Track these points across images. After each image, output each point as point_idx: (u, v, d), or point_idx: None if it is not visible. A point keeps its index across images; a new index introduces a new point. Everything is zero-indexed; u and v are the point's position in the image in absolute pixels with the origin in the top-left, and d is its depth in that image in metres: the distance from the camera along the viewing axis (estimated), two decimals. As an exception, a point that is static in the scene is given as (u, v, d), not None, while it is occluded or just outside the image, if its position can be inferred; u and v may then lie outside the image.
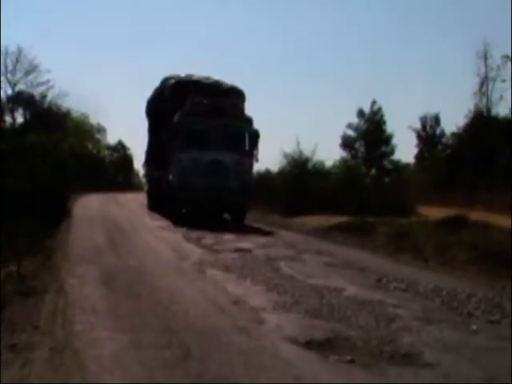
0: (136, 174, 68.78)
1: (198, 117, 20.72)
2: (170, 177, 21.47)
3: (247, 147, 21.65)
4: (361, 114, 62.50)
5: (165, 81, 24.51)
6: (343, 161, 50.34)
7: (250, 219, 23.15)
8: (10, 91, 47.82)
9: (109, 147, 67.59)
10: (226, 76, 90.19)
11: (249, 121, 21.76)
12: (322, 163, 31.99)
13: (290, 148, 30.67)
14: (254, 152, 21.87)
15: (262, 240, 16.53)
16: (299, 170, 30.04)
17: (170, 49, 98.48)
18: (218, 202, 21.03)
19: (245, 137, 21.60)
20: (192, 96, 21.01)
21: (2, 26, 50.08)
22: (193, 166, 20.36)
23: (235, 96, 22.77)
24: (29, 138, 25.13)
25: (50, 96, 49.62)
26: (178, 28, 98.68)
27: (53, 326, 7.40)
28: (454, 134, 50.84)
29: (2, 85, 46.59)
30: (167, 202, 22.05)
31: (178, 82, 23.13)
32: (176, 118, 21.09)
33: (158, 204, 24.76)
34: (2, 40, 49.17)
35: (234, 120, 21.17)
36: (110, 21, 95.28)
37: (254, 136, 21.67)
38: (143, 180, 28.82)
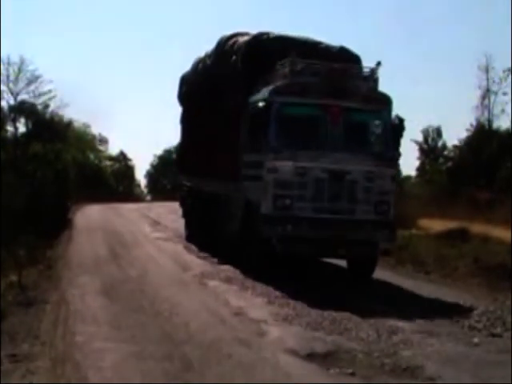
0: (137, 185, 68.91)
1: (301, 96, 11.96)
2: (249, 197, 12.55)
3: (386, 147, 12.50)
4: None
5: (227, 40, 15.01)
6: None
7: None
8: (12, 101, 47.88)
9: (110, 158, 67.70)
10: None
11: (386, 103, 12.66)
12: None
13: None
14: (396, 155, 13.12)
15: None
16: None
17: (174, 60, 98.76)
18: (337, 245, 11.89)
19: (381, 130, 12.78)
20: (289, 62, 12.06)
21: (4, 35, 50.12)
22: (296, 182, 11.60)
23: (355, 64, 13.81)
24: (32, 148, 25.19)
25: (52, 106, 49.70)
26: (183, 38, 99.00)
27: (53, 336, 7.41)
28: (455, 147, 50.89)
29: (5, 95, 46.68)
30: (240, 238, 13.06)
31: (257, 40, 14.04)
32: (259, 98, 12.25)
33: (206, 236, 16.09)
34: (1, 49, 49.30)
35: (362, 102, 12.26)
36: (113, 30, 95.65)
37: (397, 128, 12.74)
38: (180, 195, 20.45)
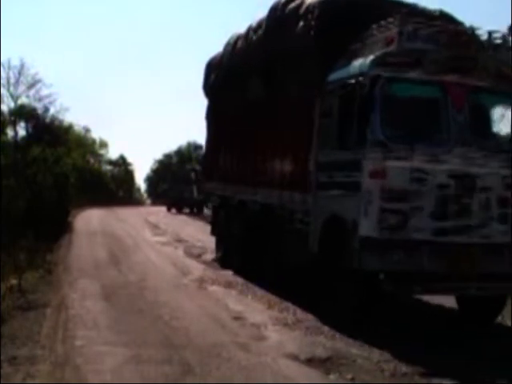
0: (137, 189, 68.96)
1: (415, 70, 8.59)
2: (335, 211, 9.02)
3: None
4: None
5: (286, 4, 11.44)
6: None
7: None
8: (12, 105, 47.93)
9: (110, 162, 67.76)
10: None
11: None
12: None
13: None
14: None
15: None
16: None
17: (175, 65, 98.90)
18: (467, 279, 8.48)
19: None
20: (398, 20, 8.65)
21: (5, 39, 50.18)
22: (413, 191, 8.33)
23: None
24: (32, 151, 25.18)
25: (52, 110, 49.76)
26: (185, 42, 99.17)
27: (54, 340, 7.40)
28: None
29: (5, 98, 46.72)
30: (317, 270, 9.63)
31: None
32: (350, 73, 8.95)
33: (253, 261, 12.36)
34: (2, 53, 49.36)
35: (493, 80, 8.94)
36: (114, 35, 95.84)
37: None
38: (209, 207, 18.64)
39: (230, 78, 14.04)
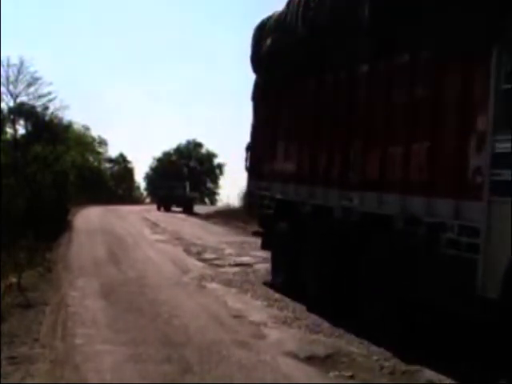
0: (137, 187, 68.95)
1: None
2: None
3: None
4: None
5: None
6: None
7: (249, 233, 23.12)
8: (11, 103, 47.93)
9: (110, 160, 67.71)
10: (229, 91, 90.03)
11: None
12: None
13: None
14: None
15: (263, 254, 16.49)
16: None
17: (175, 62, 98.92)
18: None
19: None
20: None
21: (4, 37, 50.16)
22: None
23: None
24: (33, 150, 25.16)
25: (51, 108, 49.75)
26: (184, 41, 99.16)
27: (53, 338, 7.40)
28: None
29: (4, 96, 46.72)
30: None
31: None
32: None
33: (338, 292, 8.94)
34: (1, 51, 49.35)
35: None
36: (113, 32, 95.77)
37: None
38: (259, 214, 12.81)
39: (307, 41, 9.89)
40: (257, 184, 12.45)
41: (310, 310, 9.15)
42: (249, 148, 12.87)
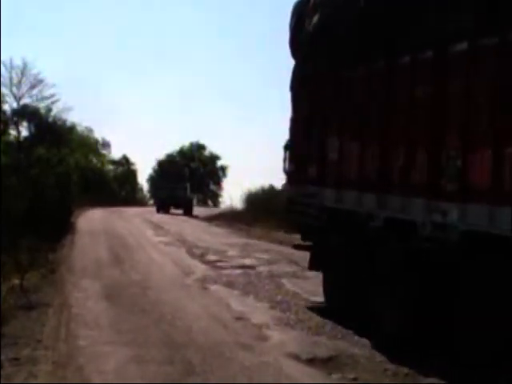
0: (140, 189, 68.96)
1: None
2: None
3: None
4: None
5: None
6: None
7: (253, 234, 23.12)
8: (15, 105, 48.00)
9: (113, 162, 67.72)
10: (232, 92, 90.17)
11: None
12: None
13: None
14: None
15: (265, 256, 16.50)
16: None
17: (178, 64, 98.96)
18: None
19: None
20: None
21: (7, 38, 50.17)
22: None
23: None
24: (37, 151, 25.19)
25: (54, 110, 49.78)
26: (186, 42, 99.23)
27: (56, 340, 7.41)
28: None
29: (7, 98, 46.80)
30: None
31: None
32: None
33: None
34: (4, 53, 49.44)
35: None
36: (116, 34, 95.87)
37: None
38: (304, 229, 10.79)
39: (373, 14, 8.10)
40: (299, 189, 10.39)
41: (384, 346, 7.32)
42: (288, 147, 10.94)
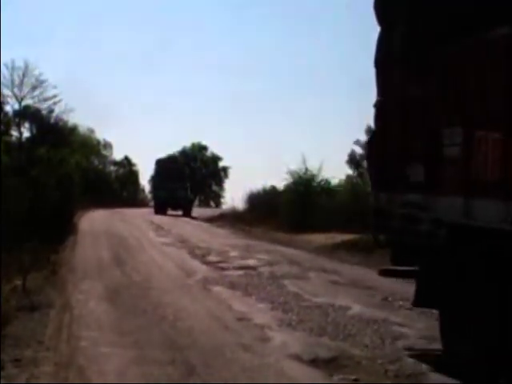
0: (141, 190, 68.96)
1: None
2: None
3: None
4: (369, 131, 62.72)
5: None
6: (349, 178, 50.23)
7: (254, 234, 23.13)
8: (16, 106, 48.03)
9: (115, 163, 67.73)
10: (233, 93, 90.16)
11: None
12: (327, 181, 31.91)
13: (295, 165, 30.49)
14: None
15: (267, 257, 16.50)
16: (304, 187, 29.99)
17: (178, 64, 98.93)
18: None
19: None
20: None
21: (9, 40, 50.34)
22: None
23: None
24: (38, 152, 25.17)
25: (56, 111, 49.80)
26: (189, 40, 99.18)
27: (58, 341, 7.42)
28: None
29: (9, 100, 46.85)
30: None
31: None
32: None
33: None
34: (6, 54, 49.49)
35: None
36: (118, 34, 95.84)
37: None
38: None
39: None
40: (395, 198, 7.82)
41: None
42: (373, 140, 8.72)
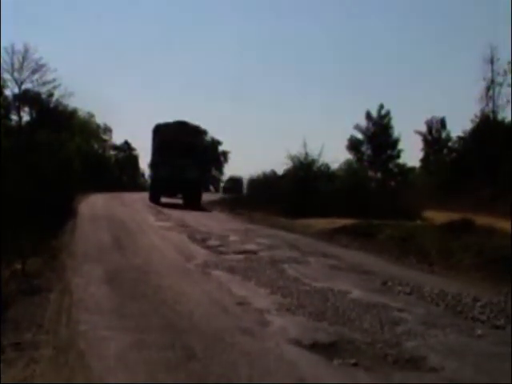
0: (141, 175, 68.96)
1: None
2: None
3: None
4: (369, 116, 62.73)
5: None
6: (349, 163, 50.25)
7: (254, 219, 23.11)
8: (16, 90, 47.93)
9: (114, 147, 67.71)
10: (232, 78, 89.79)
11: None
12: (327, 166, 31.88)
13: (296, 149, 30.44)
14: None
15: (267, 241, 16.50)
16: (304, 172, 29.97)
17: (179, 49, 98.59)
18: None
19: None
20: None
21: (9, 24, 50.12)
22: None
23: None
24: (38, 136, 25.08)
25: (56, 95, 49.70)
26: (187, 29, 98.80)
27: (57, 325, 7.41)
28: (460, 138, 50.88)
29: (9, 83, 46.75)
30: None
31: None
32: None
33: None
34: (6, 38, 49.31)
35: None
36: (118, 19, 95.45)
37: None
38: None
39: None
40: None
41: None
42: None
